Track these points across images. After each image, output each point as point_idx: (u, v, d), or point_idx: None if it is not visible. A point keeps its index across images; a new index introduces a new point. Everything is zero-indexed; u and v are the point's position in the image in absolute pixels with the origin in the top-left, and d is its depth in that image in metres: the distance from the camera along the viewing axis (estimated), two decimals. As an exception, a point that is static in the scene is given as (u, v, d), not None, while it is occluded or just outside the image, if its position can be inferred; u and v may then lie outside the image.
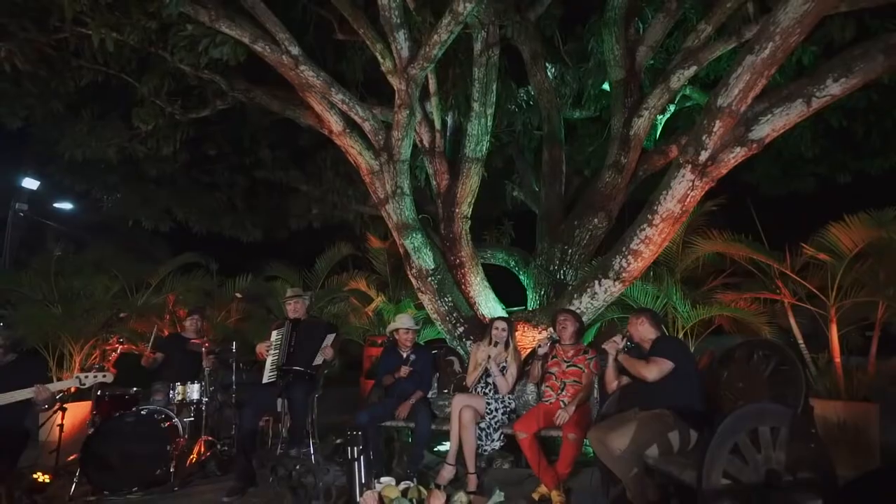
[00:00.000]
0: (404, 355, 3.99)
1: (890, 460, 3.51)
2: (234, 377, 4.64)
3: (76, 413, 4.21)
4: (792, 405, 2.34)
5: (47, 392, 2.97)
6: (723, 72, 5.40)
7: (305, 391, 3.77)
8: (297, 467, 2.30)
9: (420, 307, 5.76)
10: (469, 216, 5.29)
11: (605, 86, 5.62)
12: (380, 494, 1.75)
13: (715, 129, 3.23)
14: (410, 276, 5.20)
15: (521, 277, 5.79)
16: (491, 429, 3.50)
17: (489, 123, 4.67)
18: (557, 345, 3.64)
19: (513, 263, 5.94)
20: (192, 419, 4.19)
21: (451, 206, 5.24)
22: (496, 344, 3.78)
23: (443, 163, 5.34)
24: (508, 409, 3.67)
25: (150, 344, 4.55)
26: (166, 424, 3.82)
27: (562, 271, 5.10)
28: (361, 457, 1.98)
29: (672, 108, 5.63)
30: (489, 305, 5.19)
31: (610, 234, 5.23)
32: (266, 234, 9.07)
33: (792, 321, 4.20)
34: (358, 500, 1.92)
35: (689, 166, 3.36)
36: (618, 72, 4.82)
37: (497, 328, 3.83)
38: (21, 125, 5.84)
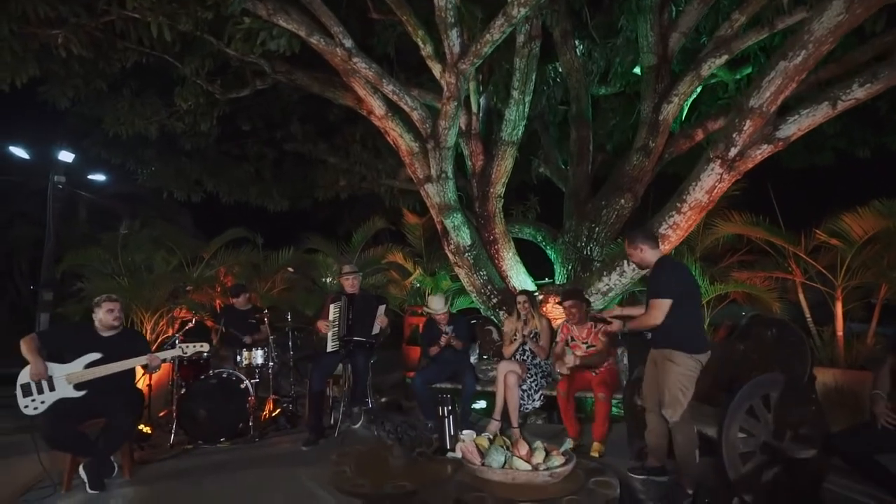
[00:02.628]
0: (443, 328, 4.51)
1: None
2: (290, 343, 5.23)
3: (158, 375, 4.79)
4: (799, 375, 2.85)
5: (158, 360, 3.51)
6: (749, 51, 5.63)
7: (366, 357, 4.33)
8: (403, 421, 2.85)
9: (455, 279, 6.26)
10: (503, 196, 5.69)
11: (637, 69, 5.84)
12: (475, 443, 2.27)
13: (745, 128, 3.58)
14: (448, 252, 5.66)
15: (549, 252, 6.24)
16: (532, 390, 4.08)
17: (526, 110, 4.98)
18: (573, 326, 4.08)
19: (540, 238, 6.37)
20: (258, 381, 4.79)
21: (486, 186, 5.63)
22: (523, 319, 4.27)
23: (478, 144, 5.69)
24: (545, 373, 4.23)
25: (213, 317, 5.12)
26: (241, 386, 4.41)
27: (588, 248, 5.54)
28: (451, 415, 2.51)
29: (698, 88, 5.87)
30: (520, 279, 5.69)
31: (634, 213, 5.64)
32: (292, 204, 9.49)
33: (801, 298, 4.69)
34: (449, 448, 2.46)
35: (719, 161, 3.74)
36: (650, 58, 5.07)
37: (519, 301, 4.34)
38: (68, 105, 6.15)
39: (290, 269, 5.86)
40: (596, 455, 3.54)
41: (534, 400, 4.06)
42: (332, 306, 4.45)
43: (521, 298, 4.38)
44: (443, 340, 4.20)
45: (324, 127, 8.14)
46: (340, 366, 4.61)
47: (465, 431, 2.55)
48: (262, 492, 3.27)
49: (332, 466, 2.44)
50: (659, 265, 2.98)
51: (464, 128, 5.59)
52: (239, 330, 5.05)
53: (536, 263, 6.30)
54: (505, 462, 2.15)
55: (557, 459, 2.15)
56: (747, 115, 3.55)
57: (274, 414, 4.67)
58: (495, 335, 4.92)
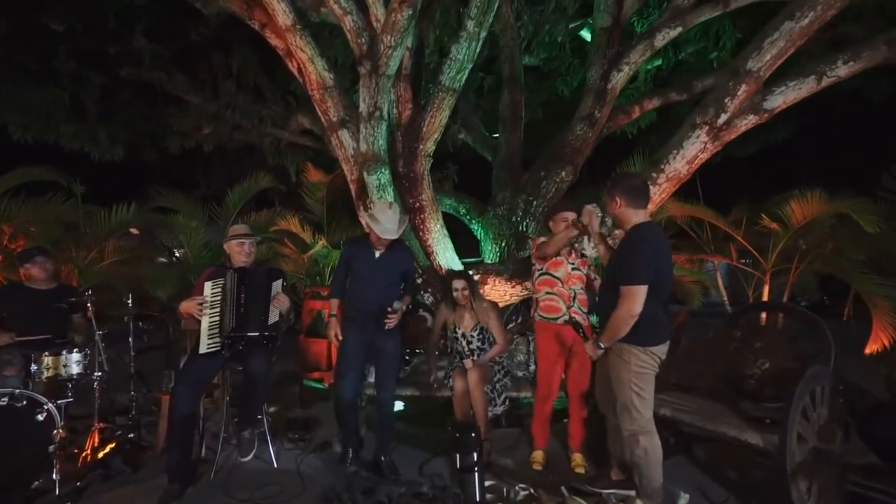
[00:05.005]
0: (377, 254, 2.95)
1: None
2: (131, 340, 3.42)
3: None
4: (825, 364, 2.44)
5: None
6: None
7: (265, 358, 2.88)
8: (402, 491, 1.60)
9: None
10: (432, 155, 4.60)
11: (586, 33, 5.26)
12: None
13: (739, 93, 3.13)
14: (364, 219, 4.39)
15: (474, 227, 5.36)
16: (495, 393, 3.13)
17: (477, 49, 3.95)
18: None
19: (463, 211, 5.45)
20: (71, 400, 2.95)
21: (414, 142, 4.46)
22: (465, 311, 3.21)
23: (408, 89, 4.46)
24: (506, 370, 3.33)
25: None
26: (38, 416, 2.59)
27: (524, 223, 4.81)
28: (478, 464, 1.41)
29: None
30: (446, 256, 4.69)
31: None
32: (130, 153, 6.90)
33: (719, 281, 4.63)
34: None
35: (706, 128, 3.24)
36: (605, 18, 4.47)
37: (456, 288, 3.18)
38: None
39: (134, 232, 3.89)
40: (582, 471, 2.76)
41: (496, 405, 3.12)
42: (207, 285, 2.87)
43: (458, 284, 3.20)
44: (390, 320, 2.80)
45: (183, 50, 5.95)
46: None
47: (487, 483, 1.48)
48: None
49: None
50: (636, 234, 2.24)
51: (393, 65, 4.31)
52: (33, 319, 3.12)
53: (455, 239, 5.36)
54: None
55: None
56: (743, 78, 3.10)
57: (102, 453, 2.89)
58: (430, 323, 3.86)
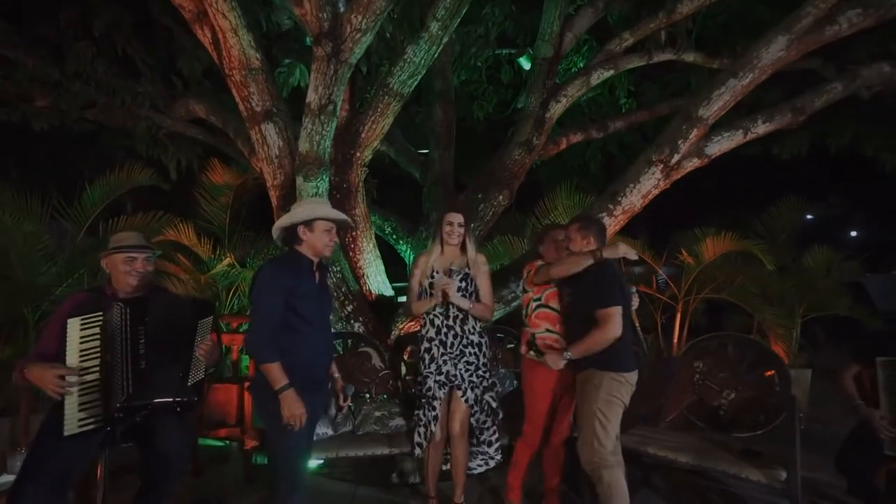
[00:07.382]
0: (317, 274, 2.07)
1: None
2: None
3: None
4: (786, 392, 2.55)
5: None
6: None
7: (183, 432, 1.96)
8: None
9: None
10: (368, 165, 4.00)
11: (524, 61, 5.22)
12: None
13: (691, 136, 3.29)
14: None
15: (401, 248, 4.83)
16: (488, 425, 2.55)
17: (436, 55, 3.54)
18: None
19: (389, 230, 4.89)
20: None
21: (351, 148, 3.83)
22: (446, 249, 2.52)
23: (347, 89, 3.82)
24: (502, 378, 2.81)
25: None
26: None
27: (461, 247, 4.47)
28: None
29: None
30: (377, 280, 4.13)
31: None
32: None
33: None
34: None
35: (661, 165, 3.33)
36: (548, 48, 4.45)
37: (451, 223, 2.50)
38: None
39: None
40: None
41: (491, 447, 2.57)
42: (74, 324, 1.88)
43: (454, 218, 2.52)
44: (343, 407, 2.12)
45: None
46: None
47: None
48: None
49: None
50: (603, 265, 2.32)
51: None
52: None
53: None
54: None
55: None
56: (695, 123, 3.28)
57: None
58: (377, 361, 3.21)
